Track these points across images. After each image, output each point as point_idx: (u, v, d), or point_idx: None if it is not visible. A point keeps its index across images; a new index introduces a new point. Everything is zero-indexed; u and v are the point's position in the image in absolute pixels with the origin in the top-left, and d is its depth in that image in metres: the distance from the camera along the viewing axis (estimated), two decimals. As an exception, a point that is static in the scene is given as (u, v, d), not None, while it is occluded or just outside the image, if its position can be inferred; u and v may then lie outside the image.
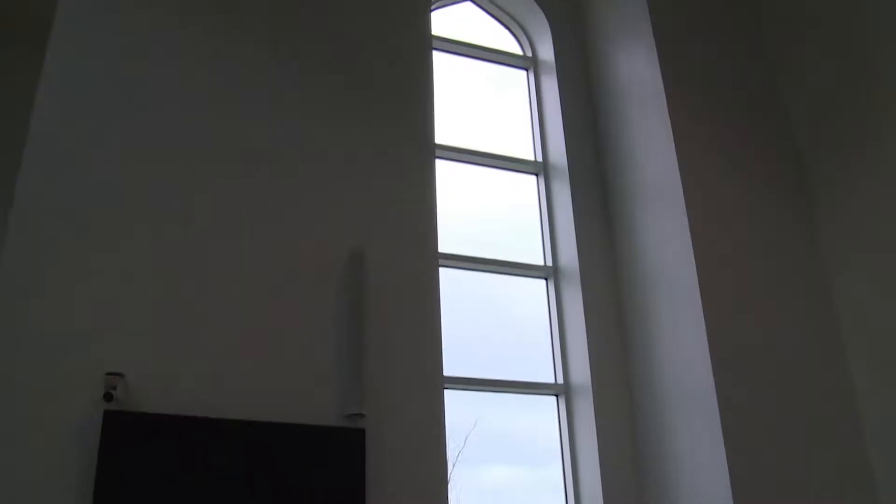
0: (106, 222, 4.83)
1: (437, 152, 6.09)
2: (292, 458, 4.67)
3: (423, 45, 6.27)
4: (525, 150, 6.82)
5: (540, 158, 6.75)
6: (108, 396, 4.37)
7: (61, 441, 4.32)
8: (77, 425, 4.36)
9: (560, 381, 6.02)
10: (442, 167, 6.26)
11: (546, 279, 6.38)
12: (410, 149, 5.85)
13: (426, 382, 5.27)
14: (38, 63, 4.95)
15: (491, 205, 6.55)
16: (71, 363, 4.46)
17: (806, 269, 5.88)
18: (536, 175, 6.74)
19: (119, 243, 4.81)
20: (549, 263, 6.38)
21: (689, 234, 5.52)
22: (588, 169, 6.52)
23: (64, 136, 4.90)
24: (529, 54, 7.20)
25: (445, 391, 5.34)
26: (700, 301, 5.32)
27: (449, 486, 5.20)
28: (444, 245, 5.85)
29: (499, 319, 6.17)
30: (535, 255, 6.45)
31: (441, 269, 5.68)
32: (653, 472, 5.56)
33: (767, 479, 5.03)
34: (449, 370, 5.47)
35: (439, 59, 6.72)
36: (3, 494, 4.13)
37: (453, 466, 5.41)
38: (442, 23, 6.92)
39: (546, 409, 6.01)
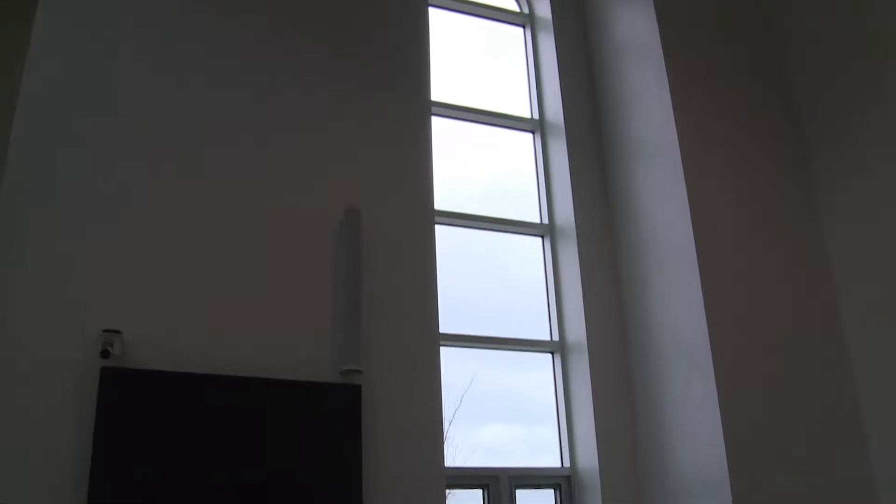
0: (103, 179, 4.81)
1: (434, 109, 6.06)
2: (288, 414, 4.69)
3: (418, 1, 6.21)
4: (521, 107, 6.79)
5: (536, 116, 6.71)
6: (104, 353, 4.38)
7: (60, 398, 4.34)
8: (75, 382, 4.38)
9: (556, 338, 6.04)
10: (438, 124, 6.23)
11: (542, 237, 6.38)
12: (406, 106, 5.81)
13: (422, 339, 5.29)
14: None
15: (487, 162, 6.53)
16: (68, 321, 4.47)
17: (803, 226, 5.88)
18: (533, 132, 6.71)
19: (116, 201, 4.80)
20: (546, 221, 6.37)
21: (685, 191, 5.51)
22: (585, 126, 6.49)
23: (61, 93, 4.86)
24: (526, 11, 7.13)
25: (441, 348, 5.37)
26: (696, 259, 5.32)
27: (445, 443, 5.24)
28: (441, 202, 5.84)
29: (495, 277, 6.18)
30: (531, 212, 6.44)
31: (437, 227, 5.68)
32: (648, 429, 5.60)
33: (761, 435, 5.07)
34: (445, 328, 5.49)
35: (435, 16, 6.65)
36: (3, 450, 4.16)
37: (450, 424, 5.45)
38: (438, -22, 6.86)
39: (542, 368, 6.04)
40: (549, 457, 5.83)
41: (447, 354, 5.42)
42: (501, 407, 5.88)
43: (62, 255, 4.57)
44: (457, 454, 5.46)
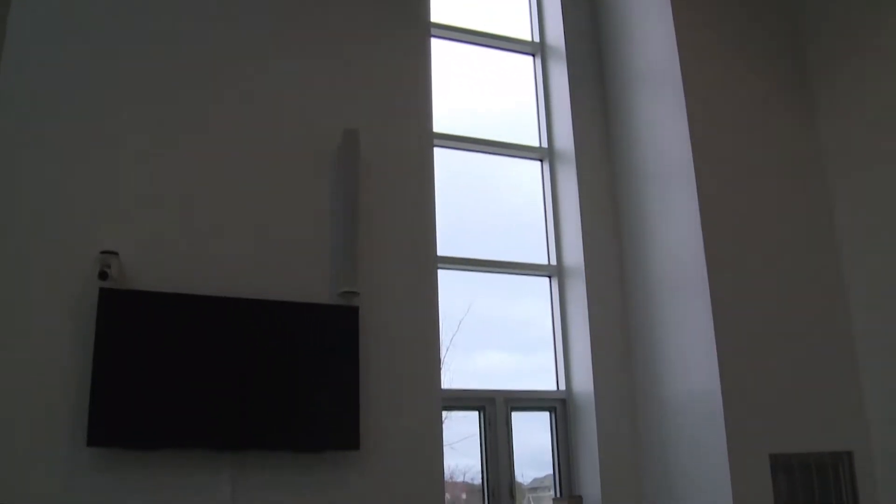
0: (102, 102, 4.76)
1: (433, 31, 5.96)
2: (286, 335, 4.73)
3: (417, -82, 6.08)
4: (522, 30, 6.68)
5: (537, 39, 6.62)
6: (102, 275, 4.39)
7: (59, 319, 4.36)
8: (73, 303, 4.40)
9: (553, 262, 6.06)
10: (438, 48, 6.14)
11: (541, 161, 6.35)
12: (406, 27, 5.72)
13: (420, 262, 5.30)
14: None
15: (487, 86, 6.46)
16: (65, 243, 4.47)
17: (803, 152, 5.85)
18: (533, 56, 6.63)
19: (114, 123, 4.75)
20: (545, 145, 6.34)
21: (685, 116, 5.45)
22: (586, 50, 6.40)
23: (56, 14, 4.79)
24: (527, -71, 6.99)
25: (439, 272, 5.38)
26: (695, 184, 5.30)
27: (442, 370, 5.29)
28: (439, 126, 5.79)
29: (493, 202, 6.16)
30: (530, 136, 6.39)
31: (436, 150, 5.64)
32: (643, 353, 5.65)
33: (755, 360, 5.12)
34: (443, 252, 5.50)
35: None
36: (4, 371, 4.21)
37: (447, 350, 5.50)
38: None
39: (539, 294, 6.06)
40: (544, 383, 5.90)
41: (444, 281, 5.43)
42: (498, 334, 5.92)
43: (58, 179, 4.56)
44: (453, 380, 5.51)
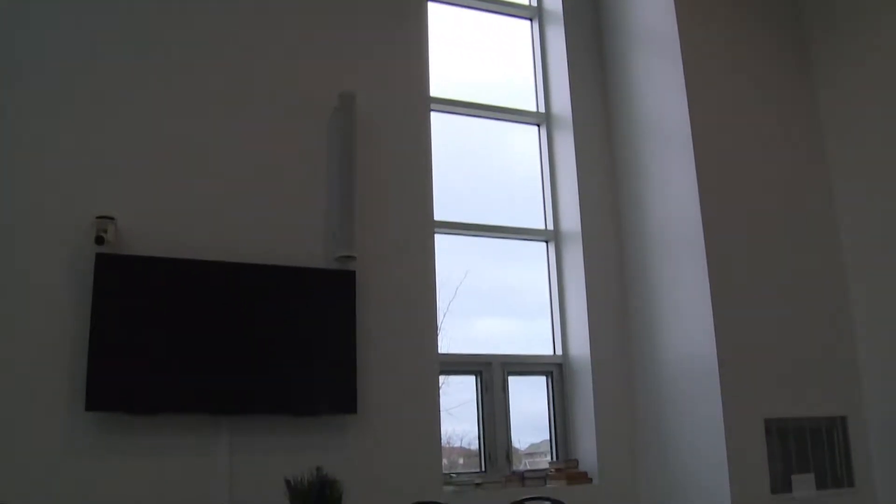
0: (97, 65, 4.72)
1: (429, -6, 5.92)
2: (283, 299, 4.73)
3: None
4: (519, -7, 6.64)
5: (535, 3, 6.56)
6: (99, 240, 4.38)
7: (56, 284, 4.37)
8: (70, 268, 4.40)
9: (550, 227, 6.05)
10: (434, 11, 6.07)
11: (538, 125, 6.32)
12: (401, -10, 5.69)
13: (417, 226, 5.30)
14: None
15: (484, 51, 6.40)
16: (61, 207, 4.46)
17: (801, 114, 5.83)
18: (531, 19, 6.57)
19: (110, 87, 4.72)
20: (542, 110, 6.30)
21: (683, 80, 5.42)
22: (583, 13, 6.35)
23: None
24: None
25: (436, 236, 5.38)
26: (692, 147, 5.28)
27: (439, 336, 5.30)
28: (436, 90, 5.76)
29: (490, 167, 6.14)
30: (527, 101, 6.36)
31: (433, 115, 5.62)
32: (640, 317, 5.67)
33: (751, 324, 5.14)
34: (440, 216, 5.49)
35: None
36: (3, 336, 4.21)
37: (444, 317, 5.50)
38: None
39: (536, 260, 6.05)
40: (541, 349, 5.91)
41: (441, 247, 5.43)
42: (495, 300, 5.93)
43: (54, 142, 4.53)
44: (450, 347, 5.52)
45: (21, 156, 4.46)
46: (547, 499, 3.01)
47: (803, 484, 5.09)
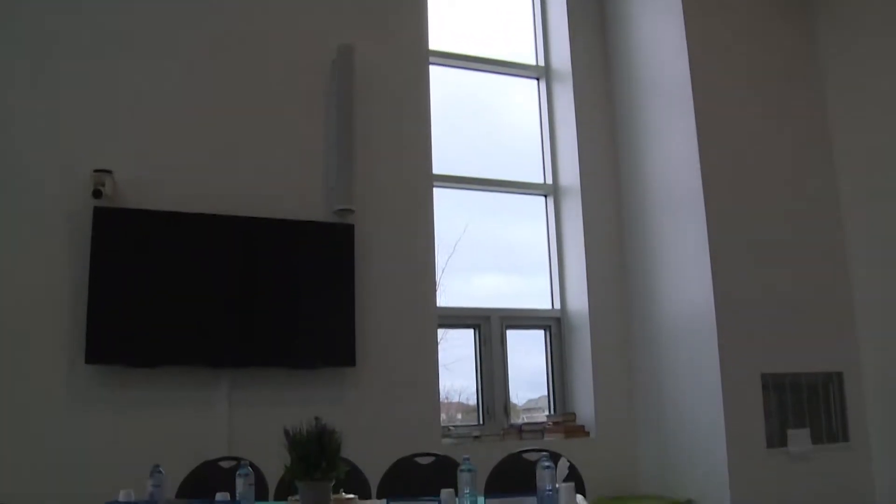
0: (96, 19, 4.68)
1: (428, -55, 5.84)
2: (282, 253, 4.73)
3: None
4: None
5: (534, -45, 6.48)
6: (96, 193, 4.36)
7: (54, 238, 4.36)
8: (68, 222, 4.39)
9: (549, 181, 6.03)
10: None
11: (538, 79, 6.27)
12: (400, -59, 5.61)
13: (416, 179, 5.28)
14: None
15: (484, 4, 6.32)
16: (58, 161, 4.44)
17: (802, 68, 5.78)
18: (530, -28, 6.50)
19: (106, 40, 4.68)
20: (541, 63, 6.25)
21: (683, 33, 5.37)
22: (583, -35, 6.28)
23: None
24: None
25: (435, 190, 5.36)
26: (691, 100, 5.24)
27: (438, 292, 5.30)
28: (435, 44, 5.70)
29: (489, 121, 6.10)
30: (526, 55, 6.30)
31: (432, 68, 5.57)
32: (638, 271, 5.67)
33: (749, 279, 5.14)
34: (439, 171, 5.47)
35: None
36: (2, 291, 4.22)
37: (442, 272, 5.50)
38: None
39: (535, 216, 6.04)
40: (540, 305, 5.92)
41: (440, 202, 5.41)
42: (494, 256, 5.92)
43: (52, 96, 4.50)
44: (449, 303, 5.52)
45: (18, 111, 4.43)
46: (545, 451, 3.02)
47: (799, 439, 5.13)
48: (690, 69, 5.32)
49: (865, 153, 5.49)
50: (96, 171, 4.42)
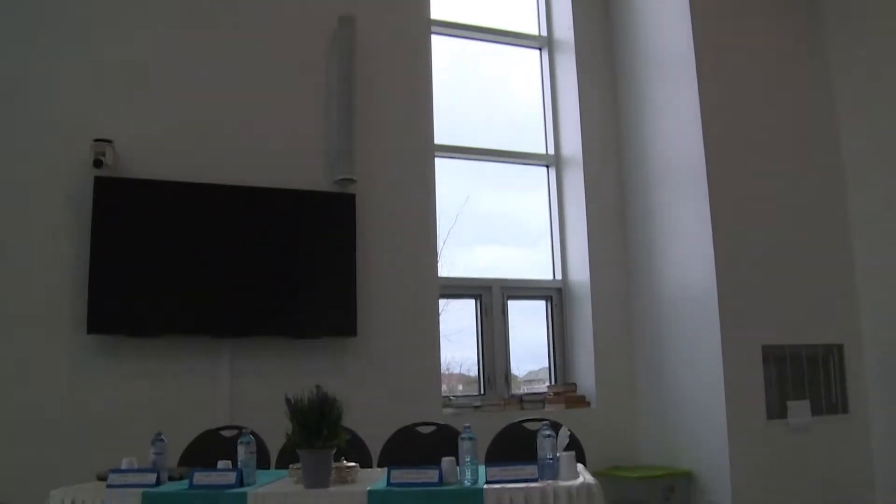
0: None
1: (429, -87, 5.78)
2: (283, 222, 4.72)
3: None
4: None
5: (537, -78, 6.42)
6: (97, 163, 4.35)
7: (55, 208, 4.36)
8: (69, 192, 4.39)
9: (551, 152, 6.01)
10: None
11: (540, 49, 6.23)
12: None
13: (418, 149, 5.27)
14: None
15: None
16: (58, 131, 4.42)
17: (805, 42, 5.74)
18: (533, -60, 6.44)
19: (106, 8, 4.64)
20: (544, 33, 6.20)
21: (688, 2, 5.31)
22: (587, -66, 6.22)
23: None
24: None
25: (437, 160, 5.35)
26: (695, 71, 5.21)
27: (439, 263, 5.30)
28: (437, 12, 5.66)
29: (492, 92, 6.07)
30: (529, 25, 6.25)
31: (433, 38, 5.54)
32: (640, 241, 5.66)
33: (750, 254, 5.14)
34: (441, 141, 5.45)
35: None
36: (4, 261, 4.22)
37: (444, 243, 5.49)
38: None
39: (536, 188, 6.03)
40: (541, 276, 5.92)
41: (442, 173, 5.40)
42: (496, 227, 5.92)
43: (53, 65, 4.48)
44: (451, 274, 5.54)
45: (18, 81, 4.40)
46: (545, 420, 3.04)
47: (798, 410, 5.15)
48: (694, 41, 5.27)
49: (869, 126, 5.46)
50: (96, 140, 4.41)
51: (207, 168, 4.64)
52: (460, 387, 5.68)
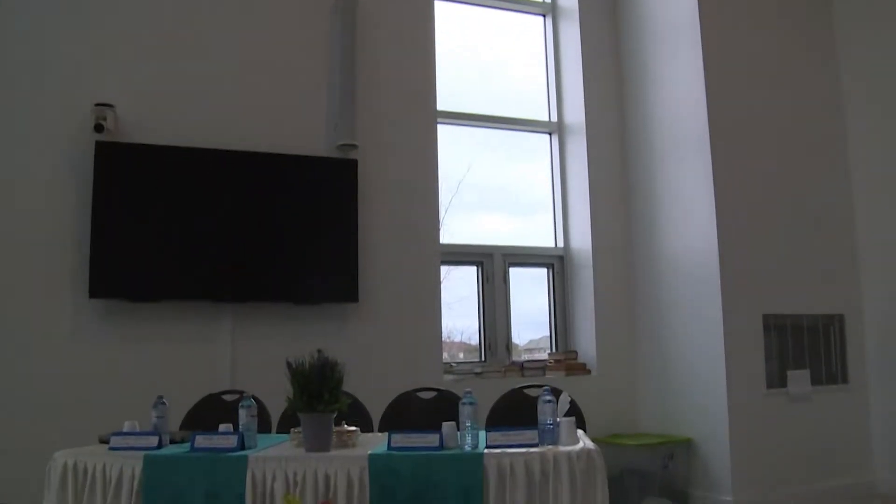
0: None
1: None
2: (285, 188, 4.71)
3: None
4: None
5: None
6: (98, 128, 4.33)
7: (56, 173, 4.35)
8: (71, 157, 4.37)
9: (554, 119, 5.98)
10: None
11: (543, 16, 6.18)
12: None
13: (420, 115, 5.24)
14: None
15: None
16: (59, 95, 4.40)
17: (813, 9, 5.69)
18: None
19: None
20: (548, 0, 6.16)
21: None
22: None
23: None
24: None
25: (439, 126, 5.33)
26: (699, 38, 5.17)
27: (441, 231, 5.29)
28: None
29: (495, 59, 6.03)
30: (533, -9, 6.21)
31: (437, 3, 5.49)
32: (642, 209, 5.65)
33: (753, 221, 5.13)
34: (443, 108, 5.43)
35: None
36: (5, 225, 4.22)
37: (446, 212, 5.48)
38: None
39: (539, 156, 6.01)
40: (543, 244, 5.91)
41: (444, 140, 5.37)
42: (498, 195, 5.90)
43: (54, 30, 4.45)
44: (453, 241, 5.53)
45: (18, 45, 4.38)
46: (545, 386, 3.04)
47: (798, 380, 5.17)
48: (699, 8, 5.23)
49: (874, 96, 5.43)
50: (98, 104, 4.39)
51: (209, 133, 4.63)
52: (461, 355, 5.69)
